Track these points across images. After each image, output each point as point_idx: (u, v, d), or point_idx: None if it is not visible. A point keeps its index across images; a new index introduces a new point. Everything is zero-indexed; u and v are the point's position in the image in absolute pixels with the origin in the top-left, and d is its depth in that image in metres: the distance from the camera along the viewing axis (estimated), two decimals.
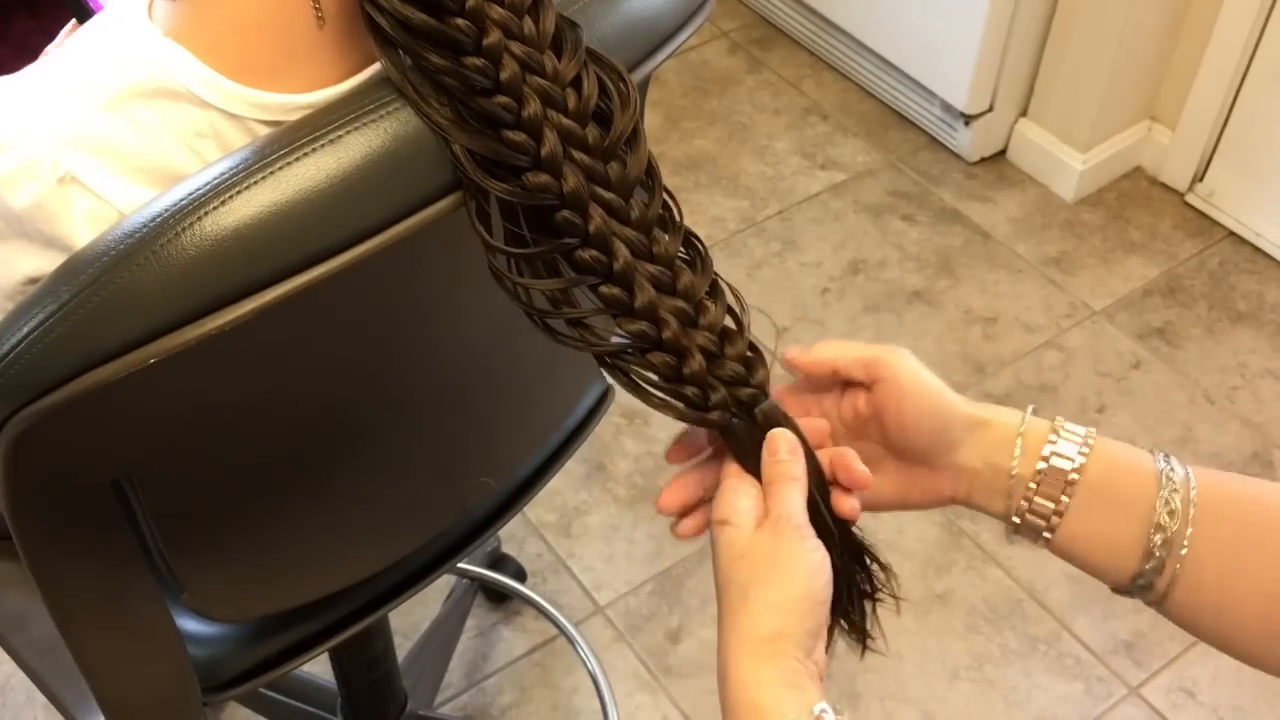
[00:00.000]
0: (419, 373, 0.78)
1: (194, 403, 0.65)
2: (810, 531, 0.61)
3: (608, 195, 0.61)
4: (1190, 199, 2.07)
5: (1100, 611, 1.56)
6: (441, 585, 1.54)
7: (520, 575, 1.59)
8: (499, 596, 1.59)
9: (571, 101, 0.60)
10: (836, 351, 0.67)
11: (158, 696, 0.80)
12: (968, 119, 2.07)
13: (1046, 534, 0.65)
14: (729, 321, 0.64)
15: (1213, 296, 1.95)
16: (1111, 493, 0.63)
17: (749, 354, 0.64)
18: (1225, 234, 2.03)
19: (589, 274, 0.61)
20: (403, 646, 1.43)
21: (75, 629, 0.72)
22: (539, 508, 1.66)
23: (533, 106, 0.58)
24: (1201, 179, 2.05)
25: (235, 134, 0.62)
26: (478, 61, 0.57)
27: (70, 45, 0.63)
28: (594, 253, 0.60)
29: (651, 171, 0.63)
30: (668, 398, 0.63)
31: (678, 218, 0.64)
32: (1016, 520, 0.66)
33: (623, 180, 0.61)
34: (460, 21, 0.57)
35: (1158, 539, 0.62)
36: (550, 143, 0.59)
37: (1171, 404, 1.80)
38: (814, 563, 0.60)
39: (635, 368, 0.62)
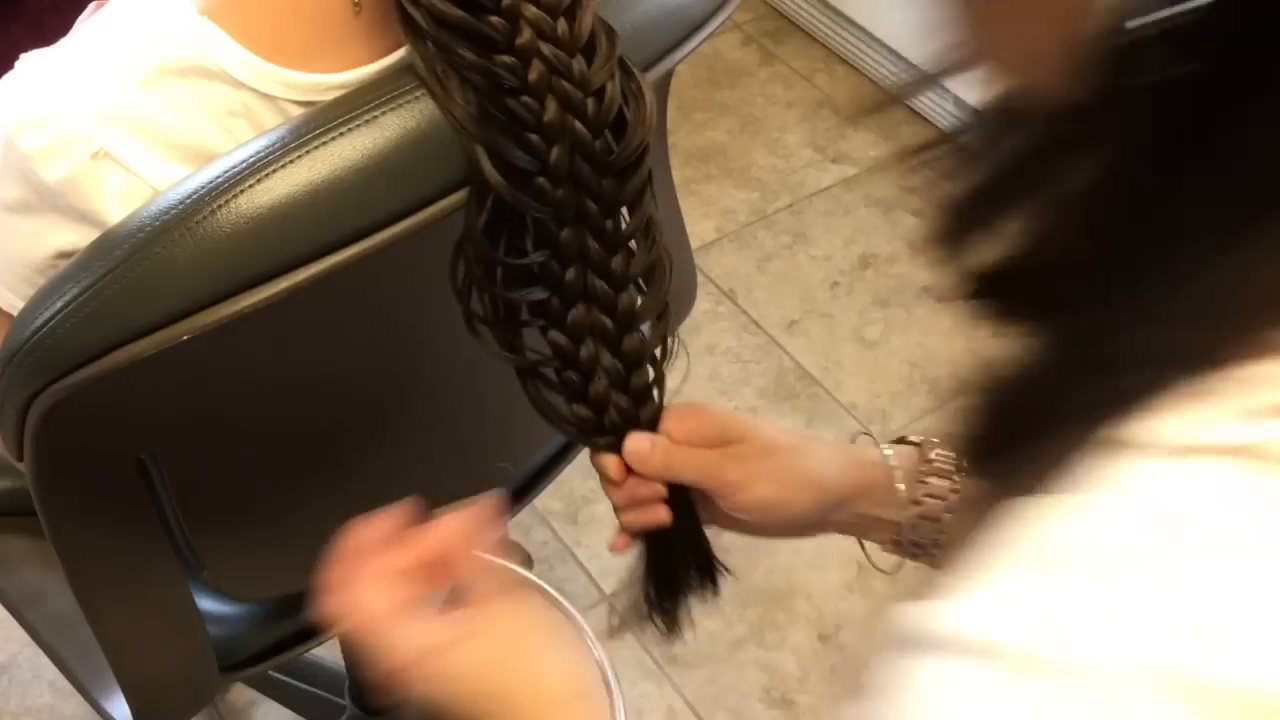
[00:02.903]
0: (443, 355, 0.78)
1: (222, 381, 0.65)
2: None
3: (592, 208, 0.61)
4: None
5: None
6: None
7: (527, 562, 1.59)
8: None
9: (591, 109, 0.59)
10: (694, 468, 0.65)
11: (175, 673, 0.80)
12: None
13: (929, 557, 0.65)
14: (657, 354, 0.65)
15: None
16: None
17: (646, 391, 0.65)
18: None
19: (545, 280, 0.61)
20: None
21: (96, 604, 0.72)
22: (546, 495, 1.66)
23: (552, 111, 0.58)
24: None
25: (268, 114, 0.62)
26: (508, 60, 0.57)
27: (105, 20, 0.63)
28: (556, 265, 0.61)
29: (641, 187, 0.62)
30: (567, 419, 0.64)
31: (655, 236, 0.64)
32: (897, 551, 0.66)
33: (614, 198, 0.61)
34: (495, 19, 0.57)
35: None
36: (558, 153, 0.58)
37: None
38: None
39: (545, 384, 0.64)
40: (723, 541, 0.69)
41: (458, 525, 0.58)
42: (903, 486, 0.64)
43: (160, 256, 0.55)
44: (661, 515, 0.66)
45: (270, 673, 1.35)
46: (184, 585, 0.76)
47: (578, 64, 0.59)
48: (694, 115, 2.19)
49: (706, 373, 1.76)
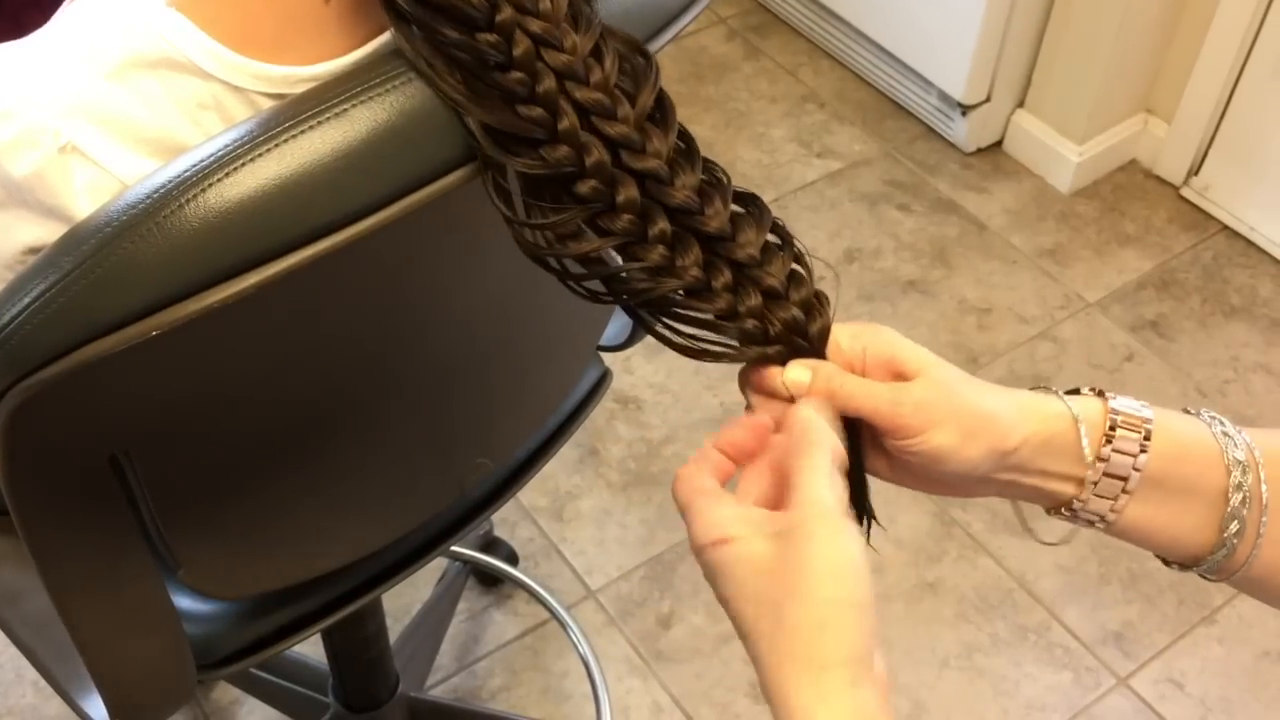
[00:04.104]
0: (418, 351, 0.77)
1: (193, 377, 0.65)
2: (845, 515, 0.53)
3: (648, 163, 0.59)
4: (1185, 193, 2.07)
5: (1090, 602, 1.57)
6: (433, 568, 1.54)
7: (512, 559, 1.59)
8: (490, 580, 1.59)
9: (595, 75, 0.59)
10: (868, 401, 0.59)
11: (152, 672, 0.79)
12: (965, 109, 2.07)
13: (1100, 526, 0.61)
14: (797, 267, 0.61)
15: (1206, 290, 1.95)
16: (1175, 484, 0.60)
17: (814, 299, 0.61)
18: (1219, 228, 2.04)
19: (623, 237, 0.59)
20: (394, 629, 1.43)
21: (71, 604, 0.71)
22: (531, 492, 1.66)
23: (548, 83, 0.57)
24: (1197, 173, 2.05)
25: (238, 106, 0.61)
26: (491, 37, 0.57)
27: (75, 13, 0.63)
28: (630, 217, 0.59)
29: (685, 137, 0.61)
30: (722, 340, 0.60)
31: (724, 179, 0.62)
32: (1067, 513, 0.62)
33: (658, 149, 0.60)
34: None
35: (1233, 527, 0.59)
36: (569, 117, 0.58)
37: (1164, 397, 1.80)
38: (854, 558, 0.52)
39: (692, 312, 0.60)
40: None
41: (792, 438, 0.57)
42: (1088, 441, 0.59)
43: (128, 252, 0.54)
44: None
45: (253, 670, 1.35)
46: (160, 584, 0.75)
47: (569, 35, 0.58)
48: (678, 110, 2.19)
49: (693, 366, 1.76)
